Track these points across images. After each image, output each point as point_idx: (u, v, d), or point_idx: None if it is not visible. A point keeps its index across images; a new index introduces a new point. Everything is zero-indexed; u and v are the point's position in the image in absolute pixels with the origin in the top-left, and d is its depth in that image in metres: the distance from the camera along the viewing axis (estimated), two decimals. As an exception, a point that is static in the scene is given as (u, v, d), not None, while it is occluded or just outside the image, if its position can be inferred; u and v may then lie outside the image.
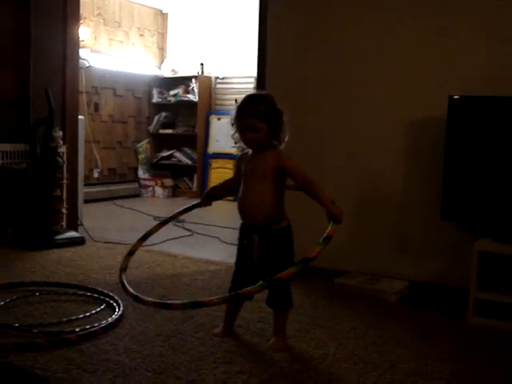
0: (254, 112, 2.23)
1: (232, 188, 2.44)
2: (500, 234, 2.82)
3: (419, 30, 3.21)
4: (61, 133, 4.22)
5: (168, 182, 7.54)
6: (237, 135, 2.30)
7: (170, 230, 4.92)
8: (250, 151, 2.33)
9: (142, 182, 7.58)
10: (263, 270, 2.28)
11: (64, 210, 4.32)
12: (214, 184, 2.57)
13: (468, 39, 3.08)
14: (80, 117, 4.75)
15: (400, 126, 3.28)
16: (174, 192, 7.57)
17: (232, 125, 2.30)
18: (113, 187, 7.05)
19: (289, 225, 2.34)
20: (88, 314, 2.61)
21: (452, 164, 2.94)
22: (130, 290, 2.22)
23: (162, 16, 7.99)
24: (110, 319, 2.51)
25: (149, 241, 4.35)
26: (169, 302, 2.56)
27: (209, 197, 2.51)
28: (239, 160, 2.40)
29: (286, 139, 2.30)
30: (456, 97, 2.91)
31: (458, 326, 2.73)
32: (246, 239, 2.33)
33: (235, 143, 2.34)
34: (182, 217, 5.30)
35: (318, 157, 3.46)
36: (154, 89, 7.75)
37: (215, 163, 7.43)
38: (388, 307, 2.98)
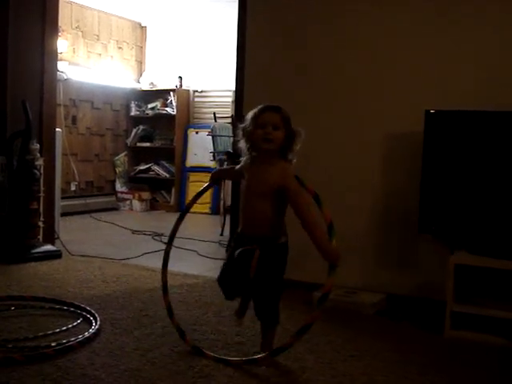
0: (279, 112, 2.25)
1: (235, 178, 2.62)
2: (476, 247, 2.85)
3: (398, 43, 3.27)
4: (38, 145, 4.19)
5: (145, 195, 7.50)
6: (243, 142, 2.28)
7: (147, 243, 4.91)
8: (255, 162, 2.29)
9: (120, 195, 7.54)
10: (255, 282, 2.27)
11: (41, 224, 4.26)
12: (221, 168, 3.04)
13: (447, 53, 3.13)
14: (57, 129, 4.73)
15: (378, 140, 3.31)
16: (152, 205, 7.54)
17: (243, 129, 2.27)
18: (90, 200, 7.01)
19: (287, 241, 2.32)
20: (64, 328, 2.58)
21: (429, 178, 2.97)
22: None
23: (141, 29, 8.00)
24: (86, 333, 2.49)
25: (126, 254, 4.32)
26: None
27: (215, 181, 2.62)
28: (243, 167, 2.34)
29: (294, 161, 2.30)
30: (432, 111, 2.95)
31: (435, 338, 2.74)
32: (245, 247, 2.27)
33: (238, 150, 2.33)
34: (161, 231, 5.36)
35: (296, 170, 3.47)
36: (132, 102, 7.73)
37: (193, 177, 7.43)
38: (365, 320, 2.99)
